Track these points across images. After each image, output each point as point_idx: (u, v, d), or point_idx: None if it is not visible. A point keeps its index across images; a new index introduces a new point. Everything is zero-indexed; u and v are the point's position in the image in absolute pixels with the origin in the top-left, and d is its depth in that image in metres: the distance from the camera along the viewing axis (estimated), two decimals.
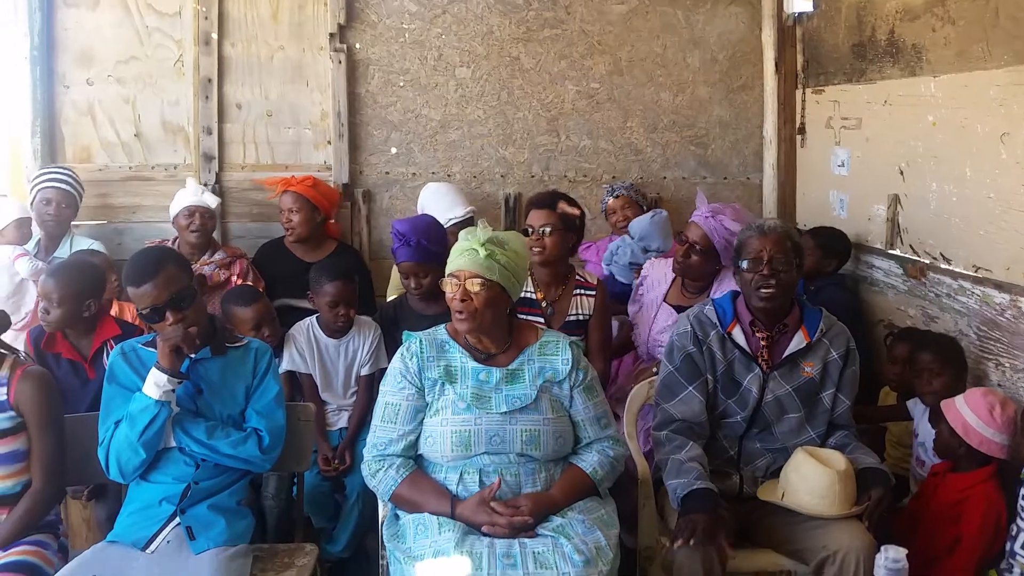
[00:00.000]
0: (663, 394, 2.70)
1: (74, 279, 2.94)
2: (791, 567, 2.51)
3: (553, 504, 2.34)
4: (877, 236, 3.81)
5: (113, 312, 3.28)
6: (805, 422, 2.63)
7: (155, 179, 4.28)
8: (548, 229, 3.23)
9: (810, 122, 4.46)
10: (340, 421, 3.34)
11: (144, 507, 2.42)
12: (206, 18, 4.25)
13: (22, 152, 4.20)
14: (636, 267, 3.74)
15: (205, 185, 4.16)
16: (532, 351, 2.46)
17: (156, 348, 2.40)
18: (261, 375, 2.56)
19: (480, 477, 2.34)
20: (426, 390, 2.42)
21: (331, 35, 4.33)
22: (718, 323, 2.67)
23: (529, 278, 3.23)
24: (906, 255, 3.60)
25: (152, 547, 2.34)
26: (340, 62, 4.34)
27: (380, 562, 2.53)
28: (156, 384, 2.35)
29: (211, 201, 3.85)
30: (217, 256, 3.80)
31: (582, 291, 3.30)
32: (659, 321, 3.29)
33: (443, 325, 2.53)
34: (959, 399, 2.62)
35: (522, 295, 2.89)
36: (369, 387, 3.30)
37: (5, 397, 2.40)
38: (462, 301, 2.35)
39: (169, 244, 3.81)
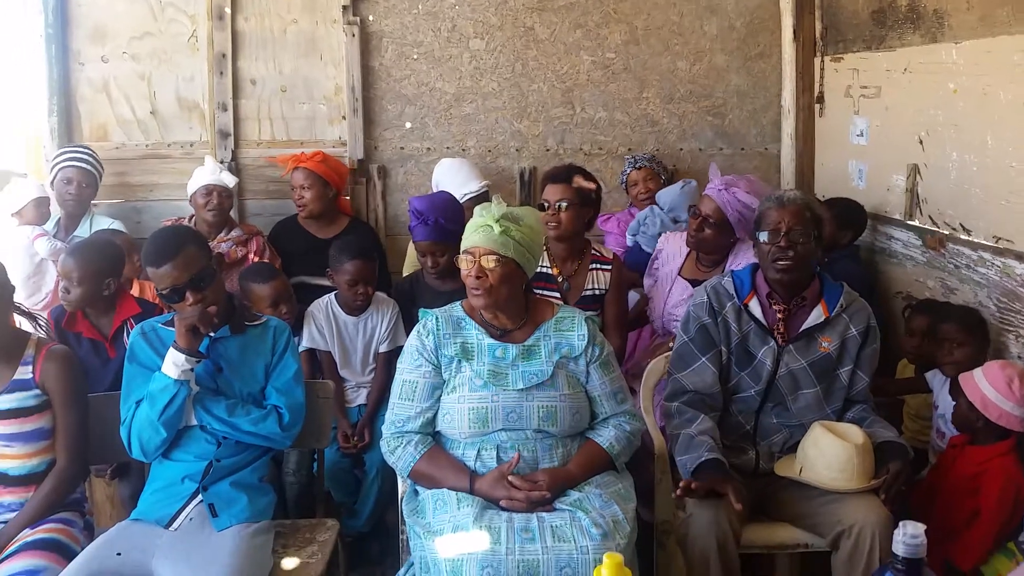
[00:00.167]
0: (676, 364, 2.71)
1: (94, 258, 2.97)
2: (808, 541, 2.51)
3: (570, 478, 2.36)
4: (896, 207, 3.77)
5: (133, 291, 3.30)
6: (822, 398, 2.61)
7: (172, 157, 4.28)
8: (564, 204, 3.21)
9: (829, 91, 4.40)
10: (359, 398, 3.36)
11: (167, 485, 2.45)
12: None
13: (39, 131, 4.21)
14: None
15: (222, 163, 4.16)
16: (548, 327, 2.47)
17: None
18: (280, 353, 2.58)
19: (498, 453, 2.36)
20: (443, 367, 2.43)
21: (344, 7, 4.28)
22: (735, 295, 2.65)
23: (545, 253, 3.22)
24: (925, 226, 3.56)
25: (175, 524, 2.37)
26: (353, 35, 4.31)
27: (400, 537, 2.56)
28: (174, 363, 2.38)
29: (229, 180, 3.85)
30: (234, 234, 3.81)
31: (598, 265, 3.30)
32: (674, 295, 3.29)
33: (459, 302, 2.53)
34: (977, 372, 2.60)
35: (538, 270, 2.89)
36: (387, 364, 3.32)
37: (31, 375, 2.44)
38: (477, 278, 2.36)
39: (186, 222, 3.83)
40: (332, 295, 3.39)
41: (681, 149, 4.58)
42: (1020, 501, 2.46)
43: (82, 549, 2.33)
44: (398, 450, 2.43)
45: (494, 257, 2.35)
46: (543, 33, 4.44)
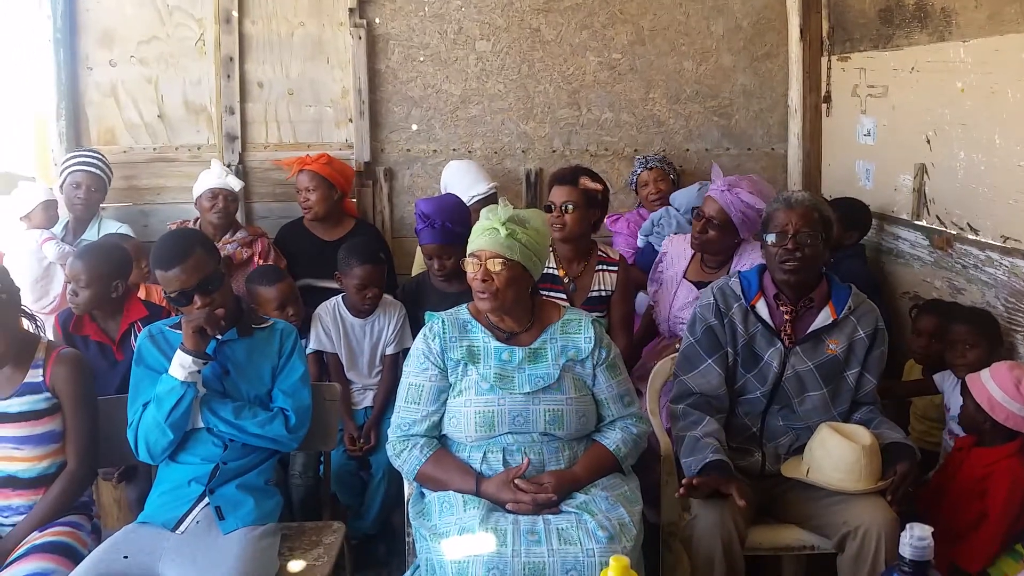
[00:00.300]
0: (682, 366, 2.70)
1: (101, 260, 2.98)
2: (814, 543, 2.50)
3: (576, 481, 2.35)
4: (903, 207, 3.75)
5: (140, 294, 3.32)
6: (828, 400, 2.60)
7: (179, 160, 4.30)
8: (570, 205, 3.21)
9: (835, 90, 4.38)
10: (365, 400, 3.37)
11: (174, 488, 2.46)
12: None
13: (48, 135, 4.24)
14: None
15: (229, 166, 4.18)
16: (554, 329, 2.47)
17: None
18: (287, 356, 2.59)
19: (504, 456, 2.36)
20: (449, 371, 2.43)
21: (351, 10, 4.30)
22: (742, 296, 2.64)
23: (551, 254, 3.22)
24: (932, 226, 3.55)
25: (182, 527, 2.38)
26: (360, 37, 4.32)
27: (406, 539, 2.56)
28: (181, 365, 2.39)
29: (235, 184, 3.86)
30: (238, 236, 3.82)
31: (604, 267, 3.30)
32: (679, 298, 3.28)
33: (465, 304, 2.54)
34: (984, 373, 2.58)
35: (544, 271, 2.89)
36: (394, 366, 3.32)
37: (41, 379, 2.45)
38: (483, 281, 2.36)
39: (191, 225, 3.84)
40: (339, 297, 3.40)
41: (687, 150, 4.57)
42: None
43: (89, 552, 2.34)
44: (404, 453, 2.43)
45: (500, 260, 2.35)
46: (549, 34, 4.45)
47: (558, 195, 3.25)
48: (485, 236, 2.38)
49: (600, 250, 3.34)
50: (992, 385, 2.54)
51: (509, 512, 2.27)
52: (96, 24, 4.22)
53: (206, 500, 2.43)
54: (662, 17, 4.48)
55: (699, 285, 3.23)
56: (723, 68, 4.54)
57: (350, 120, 4.39)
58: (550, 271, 3.24)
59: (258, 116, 4.36)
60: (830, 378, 2.59)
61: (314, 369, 3.25)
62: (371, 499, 3.23)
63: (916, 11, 3.60)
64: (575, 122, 4.52)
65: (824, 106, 4.47)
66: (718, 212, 3.18)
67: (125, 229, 3.88)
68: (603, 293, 3.27)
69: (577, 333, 2.46)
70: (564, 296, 3.22)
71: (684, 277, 3.32)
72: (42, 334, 2.60)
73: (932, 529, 1.56)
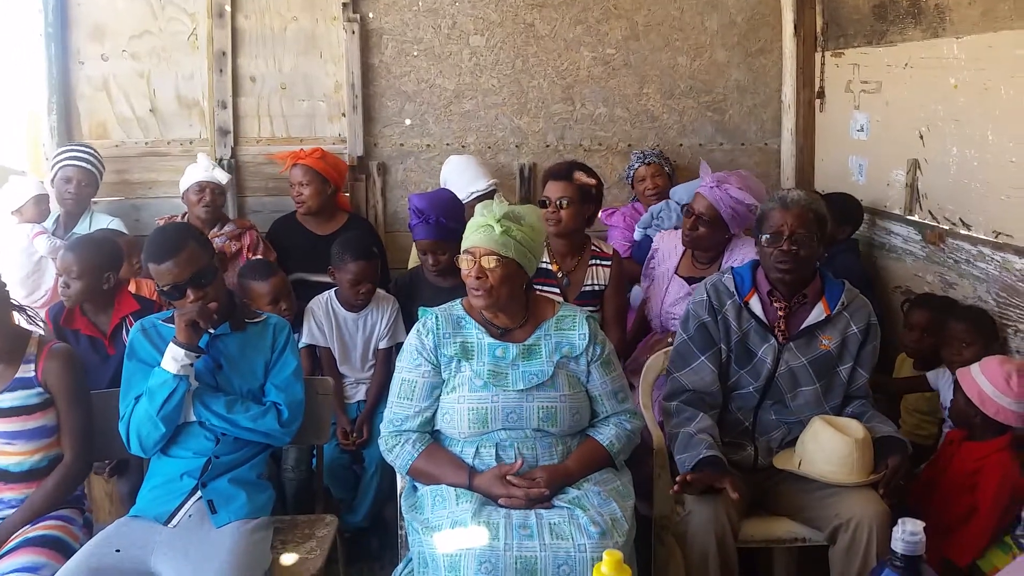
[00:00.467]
0: (676, 362, 2.70)
1: (93, 252, 2.98)
2: (805, 535, 2.51)
3: (568, 475, 2.35)
4: (896, 202, 3.76)
5: (130, 288, 3.31)
6: (821, 395, 2.60)
7: (171, 154, 4.28)
8: (565, 201, 3.21)
9: (829, 86, 4.39)
10: (358, 394, 3.37)
11: (166, 481, 2.46)
12: None
13: (39, 129, 4.22)
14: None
15: (220, 160, 4.17)
16: (549, 326, 2.46)
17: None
18: (280, 350, 2.59)
19: (496, 451, 2.36)
20: (442, 367, 2.42)
21: (344, 4, 4.28)
22: (735, 292, 2.64)
23: (545, 248, 3.22)
24: (925, 221, 3.56)
25: (174, 521, 2.38)
26: (353, 32, 4.31)
27: (398, 532, 2.56)
28: (174, 358, 2.38)
29: (222, 177, 3.85)
30: (227, 229, 3.81)
31: (598, 261, 3.30)
32: (671, 293, 3.29)
33: (459, 300, 2.52)
34: (974, 367, 2.59)
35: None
36: (387, 360, 3.33)
37: (33, 374, 2.45)
38: (478, 278, 2.34)
39: (179, 219, 3.83)
40: (332, 291, 3.39)
41: (681, 145, 4.58)
42: (1016, 496, 2.45)
43: (81, 546, 2.33)
44: (396, 448, 2.43)
45: (495, 257, 2.34)
46: (543, 29, 4.44)
47: (553, 190, 3.25)
48: (480, 233, 2.37)
49: (594, 244, 3.35)
50: (982, 379, 2.54)
51: (501, 506, 2.27)
52: (88, 18, 4.20)
53: (198, 494, 2.42)
54: (656, 12, 4.48)
55: (691, 281, 3.24)
56: (717, 63, 4.55)
57: (343, 115, 4.37)
58: (544, 265, 3.24)
59: (251, 110, 4.35)
60: (823, 373, 2.60)
61: (306, 363, 3.25)
62: (364, 493, 3.24)
63: (910, 7, 3.61)
64: (569, 117, 4.51)
65: (818, 102, 4.48)
66: (707, 208, 3.19)
67: (116, 223, 3.87)
68: (596, 287, 3.27)
69: (571, 329, 2.45)
70: (557, 290, 3.22)
71: (676, 273, 3.32)
72: (37, 324, 2.59)
73: (924, 524, 1.57)
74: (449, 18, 4.39)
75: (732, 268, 2.73)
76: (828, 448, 2.44)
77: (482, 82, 4.45)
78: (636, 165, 4.27)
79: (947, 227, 3.42)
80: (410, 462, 2.40)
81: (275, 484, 2.68)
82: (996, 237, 3.13)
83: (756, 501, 2.58)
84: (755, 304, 2.63)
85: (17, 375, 2.43)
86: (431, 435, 2.46)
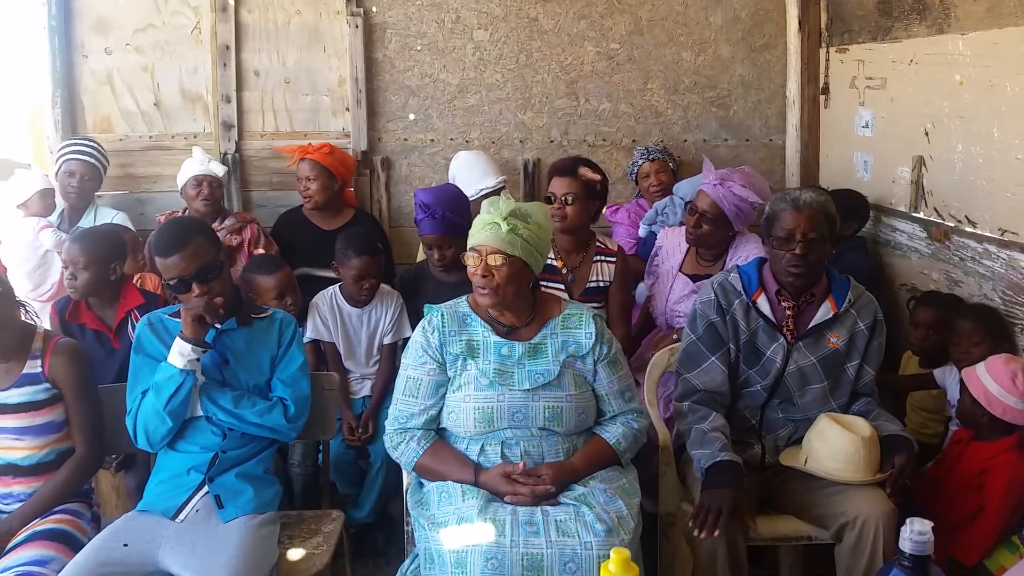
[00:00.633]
0: (685, 364, 2.68)
1: (98, 243, 2.98)
2: (812, 533, 2.51)
3: (574, 473, 2.35)
4: (901, 199, 3.76)
5: (135, 282, 3.31)
6: (828, 392, 2.60)
7: (175, 148, 4.28)
8: (570, 197, 3.20)
9: (834, 82, 4.38)
10: (363, 389, 3.38)
11: (173, 476, 2.46)
12: None
13: (43, 122, 4.22)
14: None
15: (224, 155, 4.17)
16: (555, 324, 2.44)
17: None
18: (286, 345, 2.59)
19: (502, 449, 2.35)
20: (448, 365, 2.41)
21: None
22: (743, 291, 2.62)
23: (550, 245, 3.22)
24: (930, 218, 3.56)
25: (182, 516, 2.39)
26: (357, 26, 4.30)
27: (405, 528, 2.56)
28: (180, 353, 2.39)
29: (218, 169, 3.85)
30: (228, 223, 3.81)
31: (603, 258, 3.30)
32: (675, 291, 3.28)
33: (465, 297, 2.51)
34: (980, 367, 2.57)
35: None
36: (392, 356, 3.33)
37: (40, 370, 2.45)
38: (483, 277, 2.33)
39: (179, 215, 3.83)
40: (336, 287, 3.39)
41: (685, 140, 4.57)
42: None
43: (89, 540, 2.34)
44: (401, 446, 2.43)
45: (501, 256, 2.32)
46: (547, 24, 4.43)
47: (558, 186, 3.24)
48: (486, 231, 2.35)
49: (599, 241, 3.34)
50: (988, 379, 2.53)
51: (507, 503, 2.26)
52: (91, 11, 4.20)
53: (205, 488, 2.43)
54: (660, 7, 4.47)
55: (695, 278, 3.24)
56: (721, 59, 4.54)
57: (347, 109, 4.37)
58: (548, 261, 3.23)
59: (255, 105, 4.35)
60: (831, 371, 2.59)
61: (311, 358, 3.24)
62: (369, 488, 3.24)
63: (915, 3, 3.60)
64: (573, 112, 4.51)
65: (822, 98, 4.47)
66: (711, 206, 3.18)
67: (121, 218, 3.87)
68: (601, 284, 3.27)
69: (578, 328, 2.44)
70: (562, 286, 3.22)
71: (680, 271, 3.32)
72: (35, 319, 2.58)
73: (932, 524, 1.57)
74: (453, 12, 4.39)
75: (738, 267, 2.71)
76: (835, 446, 2.43)
77: (486, 77, 4.44)
78: (640, 161, 4.26)
79: (952, 224, 3.41)
80: (415, 459, 2.40)
81: (281, 479, 2.68)
82: (1002, 234, 3.12)
83: (762, 499, 2.58)
84: (763, 303, 2.61)
85: (24, 371, 2.44)
86: (436, 432, 2.45)
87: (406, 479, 2.55)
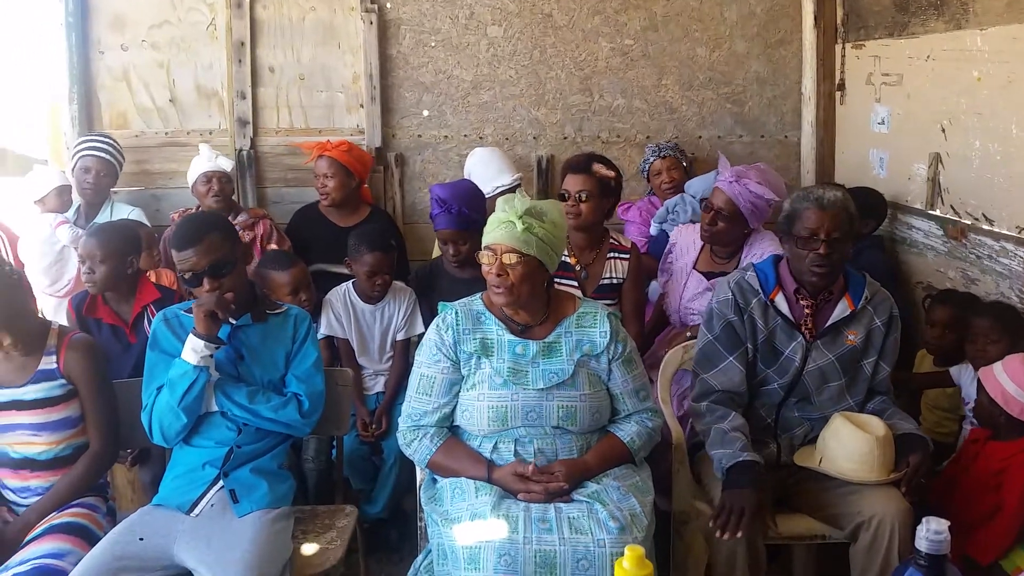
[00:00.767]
0: (702, 364, 2.65)
1: (115, 237, 3.00)
2: (826, 532, 2.50)
3: (587, 470, 2.34)
4: (917, 196, 3.74)
5: (151, 278, 3.33)
6: (845, 390, 2.59)
7: (191, 144, 4.28)
8: (584, 195, 3.20)
9: (850, 78, 4.36)
10: (376, 386, 3.38)
11: (188, 471, 2.48)
12: None
13: (60, 119, 4.25)
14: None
15: (240, 151, 4.18)
16: (570, 323, 2.43)
17: None
18: (300, 341, 2.59)
19: (515, 446, 2.35)
20: (461, 363, 2.40)
21: None
22: (760, 290, 2.60)
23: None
24: (947, 215, 3.53)
25: (197, 510, 2.40)
26: (371, 22, 4.31)
27: (418, 524, 2.57)
28: (193, 350, 2.40)
29: (226, 165, 3.86)
30: (240, 218, 3.82)
31: (616, 255, 3.29)
32: (689, 289, 3.28)
33: (479, 295, 2.50)
34: (997, 367, 2.55)
35: None
36: (405, 352, 3.34)
37: (55, 365, 2.47)
38: (498, 275, 2.32)
39: (193, 211, 3.85)
40: (350, 283, 3.40)
41: (700, 137, 4.56)
42: None
43: (105, 534, 2.35)
44: (414, 443, 2.43)
45: (516, 255, 2.30)
46: (561, 20, 4.43)
47: (573, 184, 3.23)
48: (501, 229, 2.33)
49: (612, 238, 3.34)
50: (1005, 379, 2.51)
51: (520, 500, 2.26)
52: (108, 8, 4.22)
53: (220, 483, 2.44)
54: (675, 3, 4.46)
55: (709, 276, 3.23)
56: (736, 55, 4.52)
57: (361, 105, 4.38)
58: (562, 258, 3.23)
59: (270, 101, 4.36)
60: (849, 368, 2.58)
61: (325, 354, 3.25)
62: (383, 484, 3.25)
63: None
64: (587, 108, 4.50)
65: (838, 94, 4.45)
66: (727, 203, 3.17)
67: (137, 214, 3.89)
68: (614, 281, 3.27)
69: (592, 327, 2.42)
70: (576, 283, 3.21)
71: (694, 268, 3.31)
72: (44, 316, 2.60)
73: (948, 523, 1.56)
74: (467, 8, 4.39)
75: (754, 265, 2.69)
76: (849, 446, 2.42)
77: (500, 73, 4.44)
78: (651, 159, 4.25)
79: (969, 222, 3.39)
80: (428, 456, 2.41)
81: (295, 474, 2.69)
82: (1019, 232, 3.10)
83: (777, 498, 2.57)
84: (781, 302, 2.58)
85: (40, 367, 2.45)
86: (449, 430, 2.46)
87: (419, 475, 2.55)
